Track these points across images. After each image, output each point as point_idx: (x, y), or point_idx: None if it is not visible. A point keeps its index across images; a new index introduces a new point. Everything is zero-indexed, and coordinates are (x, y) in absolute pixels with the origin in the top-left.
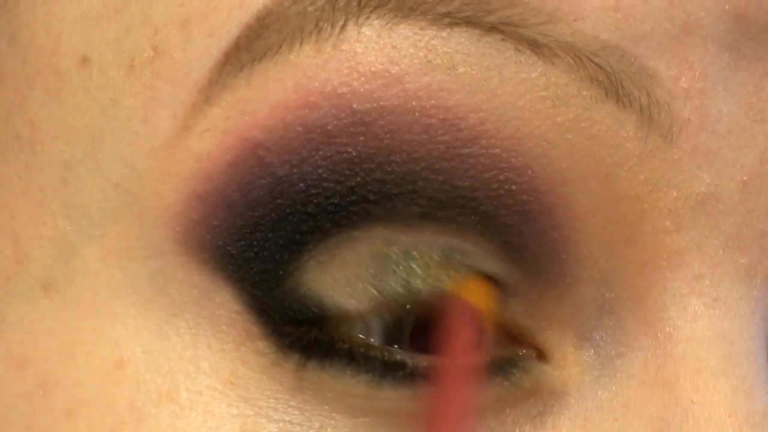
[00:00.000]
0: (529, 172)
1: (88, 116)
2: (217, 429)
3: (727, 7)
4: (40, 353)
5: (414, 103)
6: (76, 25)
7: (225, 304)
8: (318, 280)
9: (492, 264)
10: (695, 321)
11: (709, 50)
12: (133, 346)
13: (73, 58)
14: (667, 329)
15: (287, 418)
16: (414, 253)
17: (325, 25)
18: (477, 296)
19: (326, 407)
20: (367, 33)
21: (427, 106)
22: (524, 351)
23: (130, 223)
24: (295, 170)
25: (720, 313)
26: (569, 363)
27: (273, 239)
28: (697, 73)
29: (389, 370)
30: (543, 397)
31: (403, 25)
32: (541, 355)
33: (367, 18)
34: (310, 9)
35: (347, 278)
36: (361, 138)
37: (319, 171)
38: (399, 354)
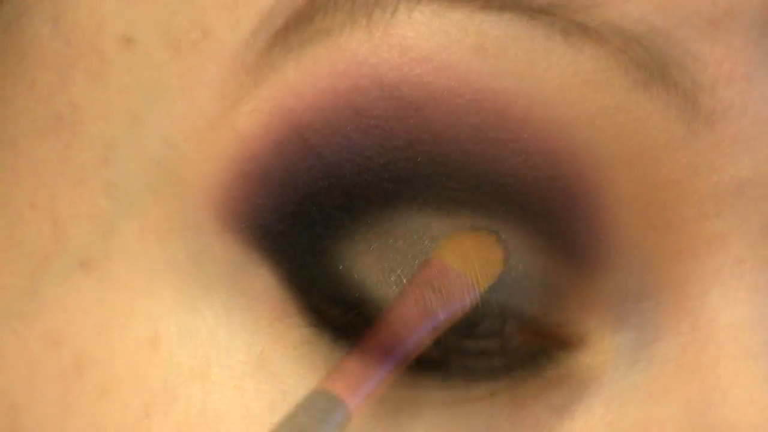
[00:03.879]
0: (575, 156)
1: (131, 96)
2: (247, 406)
3: None
4: (76, 331)
5: (464, 88)
6: (120, 6)
7: (260, 279)
8: (358, 261)
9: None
10: (735, 305)
11: (753, 36)
12: (167, 323)
13: (117, 39)
14: (707, 314)
15: None
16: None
17: (376, 9)
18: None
19: None
20: (418, 18)
21: (478, 90)
22: (557, 339)
23: (171, 201)
24: (341, 152)
25: (760, 298)
26: (605, 348)
27: (313, 217)
28: (740, 59)
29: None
30: (576, 383)
31: (453, 11)
32: (577, 341)
33: (418, 3)
34: None
35: (389, 265)
36: (411, 122)
37: (366, 154)
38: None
